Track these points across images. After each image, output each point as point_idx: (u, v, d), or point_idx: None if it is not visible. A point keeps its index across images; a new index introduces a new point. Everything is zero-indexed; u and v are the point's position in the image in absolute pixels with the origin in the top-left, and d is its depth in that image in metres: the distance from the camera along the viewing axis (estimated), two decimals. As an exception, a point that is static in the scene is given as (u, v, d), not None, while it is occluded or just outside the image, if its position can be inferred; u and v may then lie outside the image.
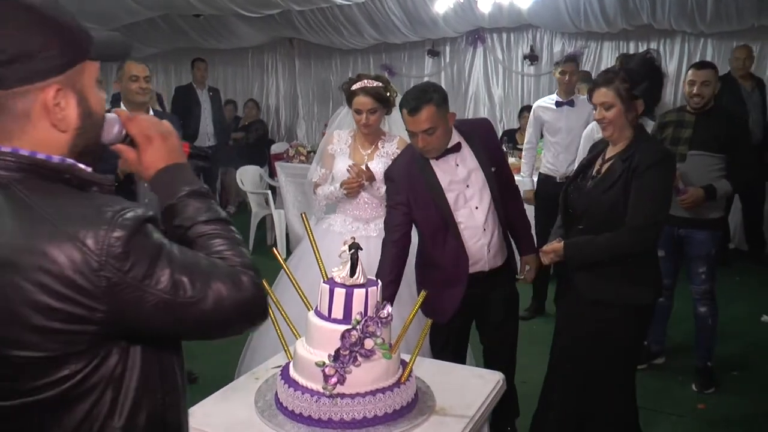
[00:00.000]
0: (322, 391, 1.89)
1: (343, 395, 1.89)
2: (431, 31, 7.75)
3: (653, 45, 7.06)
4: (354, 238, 2.01)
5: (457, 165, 2.85)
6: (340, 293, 1.94)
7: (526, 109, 6.45)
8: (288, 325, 2.16)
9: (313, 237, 2.11)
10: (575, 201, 2.69)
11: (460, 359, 2.96)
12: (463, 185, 2.84)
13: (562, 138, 4.83)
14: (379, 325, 1.93)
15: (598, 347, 2.60)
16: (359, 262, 1.97)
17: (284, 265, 2.23)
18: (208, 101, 7.72)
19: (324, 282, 2.00)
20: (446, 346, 2.93)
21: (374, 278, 2.04)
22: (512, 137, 6.84)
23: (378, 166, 3.27)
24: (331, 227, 3.38)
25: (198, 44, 8.92)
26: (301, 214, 2.19)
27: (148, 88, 3.60)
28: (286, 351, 2.17)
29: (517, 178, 5.46)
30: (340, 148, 3.40)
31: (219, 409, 2.06)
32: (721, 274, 5.54)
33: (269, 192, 6.90)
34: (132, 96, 3.59)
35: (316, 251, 2.10)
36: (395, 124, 3.48)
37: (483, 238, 2.85)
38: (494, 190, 2.85)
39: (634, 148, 2.55)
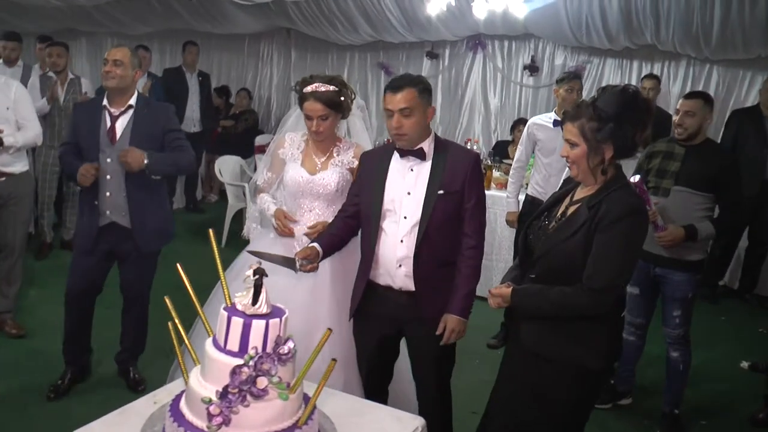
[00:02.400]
0: (206, 430, 1.69)
1: (227, 437, 1.69)
2: (428, 32, 7.53)
3: (657, 67, 6.84)
4: (260, 263, 1.80)
5: (411, 170, 2.74)
6: (237, 323, 1.74)
7: (521, 122, 6.23)
8: (189, 350, 1.94)
9: (218, 256, 1.90)
10: (534, 242, 2.42)
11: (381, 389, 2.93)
12: (404, 191, 2.73)
13: (555, 159, 4.49)
14: (276, 362, 1.72)
15: (537, 404, 2.34)
16: (263, 290, 1.77)
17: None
18: (196, 85, 7.54)
19: (224, 308, 1.79)
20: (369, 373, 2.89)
21: (282, 308, 1.83)
22: (503, 150, 6.63)
23: (332, 176, 3.08)
24: (277, 238, 3.15)
25: (192, 27, 8.72)
26: (209, 231, 1.96)
27: (112, 72, 3.38)
28: (184, 377, 1.96)
29: (500, 194, 5.35)
30: (292, 153, 3.17)
31: (100, 438, 1.86)
32: (707, 311, 5.41)
33: (246, 185, 6.70)
34: (102, 79, 3.49)
35: (222, 277, 1.89)
36: (354, 129, 3.29)
37: (397, 251, 2.71)
38: (430, 212, 2.67)
39: (603, 195, 2.25)
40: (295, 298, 2.93)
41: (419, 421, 2.06)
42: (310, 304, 2.99)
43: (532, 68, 7.42)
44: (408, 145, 2.71)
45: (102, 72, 3.46)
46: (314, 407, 1.85)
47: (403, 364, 3.08)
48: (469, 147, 6.63)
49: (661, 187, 3.57)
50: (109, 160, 3.44)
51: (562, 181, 4.05)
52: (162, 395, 2.08)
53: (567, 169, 4.35)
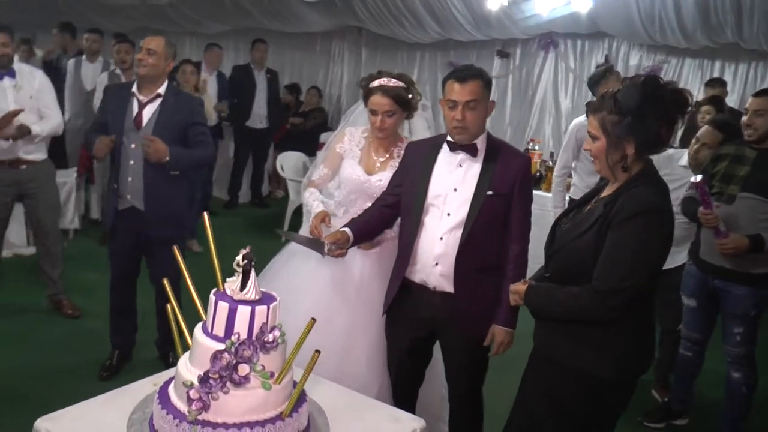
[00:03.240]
0: (186, 414, 1.67)
1: (205, 423, 1.65)
2: (497, 30, 7.35)
3: (742, 67, 6.42)
4: (250, 248, 1.76)
5: (460, 166, 2.63)
6: (223, 308, 1.71)
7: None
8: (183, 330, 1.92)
9: (212, 238, 1.87)
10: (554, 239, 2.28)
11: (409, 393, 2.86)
12: (451, 187, 2.61)
13: None
14: (258, 350, 1.68)
15: (550, 409, 2.20)
16: (251, 276, 1.73)
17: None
18: (264, 83, 7.65)
19: (214, 292, 1.76)
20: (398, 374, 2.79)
21: (273, 296, 1.79)
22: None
23: (390, 178, 2.94)
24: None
25: (264, 25, 8.87)
26: (203, 213, 1.93)
27: (144, 60, 3.46)
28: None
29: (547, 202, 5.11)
30: (350, 149, 3.06)
31: (94, 415, 1.87)
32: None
33: (307, 180, 6.74)
34: (135, 66, 3.67)
35: (214, 256, 1.85)
36: (417, 129, 3.17)
37: (435, 248, 2.61)
38: (477, 212, 2.55)
39: (620, 192, 2.09)
40: (319, 287, 2.91)
41: (418, 423, 1.98)
42: (342, 301, 2.93)
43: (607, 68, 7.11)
44: (466, 140, 2.59)
45: (135, 59, 3.56)
46: (303, 400, 1.80)
47: (437, 366, 2.98)
48: (531, 148, 6.48)
49: (726, 192, 3.30)
50: (133, 145, 3.50)
51: (570, 143, 3.87)
52: (163, 378, 2.07)
53: None
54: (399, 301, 2.74)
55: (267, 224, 6.88)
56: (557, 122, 7.60)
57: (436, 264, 2.62)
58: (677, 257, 3.67)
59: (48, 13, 9.37)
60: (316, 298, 2.88)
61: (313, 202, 3.02)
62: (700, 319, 3.57)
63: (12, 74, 4.12)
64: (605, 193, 2.19)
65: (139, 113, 3.52)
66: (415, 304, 2.69)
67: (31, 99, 4.16)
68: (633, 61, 6.99)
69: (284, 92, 8.94)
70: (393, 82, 2.89)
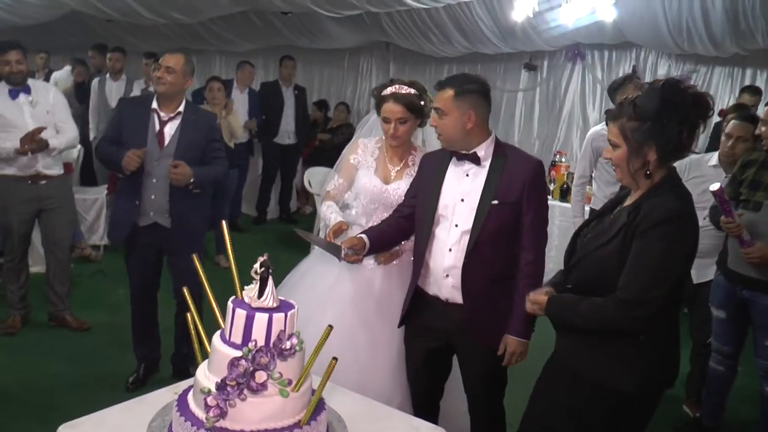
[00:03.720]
0: (204, 421, 1.68)
1: (223, 430, 1.66)
2: (523, 42, 7.34)
3: (775, 74, 6.32)
4: (268, 256, 1.77)
5: (467, 176, 2.62)
6: (240, 315, 1.72)
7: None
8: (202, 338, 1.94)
9: (230, 247, 1.88)
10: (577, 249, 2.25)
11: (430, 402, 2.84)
12: (458, 197, 2.61)
13: None
14: (275, 357, 1.69)
15: (570, 423, 2.15)
16: (269, 283, 1.74)
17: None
18: (292, 99, 7.73)
19: (232, 300, 1.78)
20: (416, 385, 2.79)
21: (291, 303, 1.80)
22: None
23: (407, 187, 2.94)
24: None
25: (293, 42, 8.99)
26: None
27: (162, 78, 3.46)
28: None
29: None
30: (365, 160, 3.07)
31: (114, 422, 1.89)
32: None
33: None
34: (153, 84, 3.73)
35: (232, 264, 1.87)
36: (430, 139, 3.16)
37: (445, 260, 2.59)
38: (482, 223, 2.52)
39: (643, 200, 2.05)
40: (342, 296, 2.93)
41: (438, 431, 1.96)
42: (366, 310, 2.94)
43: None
44: (447, 146, 2.63)
45: (154, 77, 3.57)
46: (321, 408, 1.80)
47: (459, 379, 2.96)
48: (558, 160, 6.43)
49: (753, 200, 3.23)
50: (156, 163, 3.50)
51: (587, 152, 3.79)
52: (182, 388, 2.09)
53: None
54: (415, 313, 2.75)
55: (295, 240, 6.90)
56: (585, 134, 7.51)
57: (447, 276, 2.61)
58: (712, 270, 3.59)
59: (87, 36, 9.62)
60: (339, 312, 2.88)
61: (330, 214, 3.02)
62: (730, 331, 3.48)
63: (27, 90, 4.21)
64: (628, 202, 2.15)
65: (161, 131, 3.54)
66: (430, 316, 2.69)
67: (47, 114, 4.25)
68: (661, 71, 6.93)
69: (312, 109, 9.03)
70: (405, 90, 2.91)
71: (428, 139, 3.20)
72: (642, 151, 2.02)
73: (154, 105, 3.57)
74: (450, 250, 2.59)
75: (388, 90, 2.93)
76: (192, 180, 3.45)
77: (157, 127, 3.54)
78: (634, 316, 1.99)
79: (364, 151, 3.10)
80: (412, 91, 2.93)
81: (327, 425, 1.84)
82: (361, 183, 3.02)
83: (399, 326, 2.83)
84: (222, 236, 1.89)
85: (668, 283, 2.00)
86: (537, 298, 2.23)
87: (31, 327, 4.52)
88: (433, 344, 2.73)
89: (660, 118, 1.97)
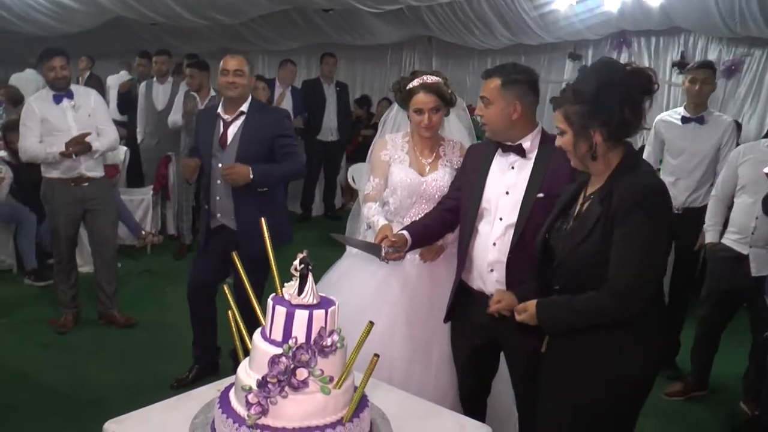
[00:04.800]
0: (245, 418, 1.66)
1: (265, 427, 1.65)
2: (567, 32, 7.19)
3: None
4: (307, 252, 1.75)
5: (512, 168, 2.56)
6: (280, 312, 1.70)
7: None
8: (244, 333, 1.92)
9: (269, 243, 1.87)
10: (555, 247, 2.17)
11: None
12: (503, 190, 2.55)
13: (684, 161, 4.11)
14: (315, 354, 1.66)
15: (578, 422, 2.10)
16: (308, 281, 1.71)
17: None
18: (333, 95, 7.72)
19: (272, 297, 1.76)
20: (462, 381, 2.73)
21: (332, 300, 1.77)
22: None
23: (444, 177, 2.92)
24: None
25: (334, 40, 8.99)
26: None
27: (235, 83, 3.49)
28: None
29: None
30: (397, 155, 3.00)
31: (158, 418, 1.90)
32: None
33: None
34: (221, 90, 3.63)
35: (272, 260, 1.86)
36: (452, 128, 3.12)
37: (489, 254, 2.54)
38: (527, 216, 2.46)
39: (612, 184, 2.00)
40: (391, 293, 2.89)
41: (485, 430, 1.91)
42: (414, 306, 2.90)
43: (682, 65, 6.76)
44: (492, 136, 2.57)
45: (223, 83, 3.53)
46: (365, 405, 1.77)
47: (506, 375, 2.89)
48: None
49: None
50: (220, 165, 3.53)
51: (725, 183, 3.69)
52: (226, 384, 2.09)
53: (703, 171, 3.98)
54: (460, 308, 2.69)
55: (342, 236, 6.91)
56: (633, 124, 7.34)
57: (491, 270, 2.55)
58: None
59: (131, 40, 9.82)
60: (386, 312, 2.84)
61: (373, 217, 2.95)
62: None
63: (70, 95, 4.32)
64: (592, 188, 2.11)
65: (224, 133, 3.57)
66: (475, 311, 2.60)
67: (89, 117, 4.35)
68: (711, 56, 6.66)
69: (354, 106, 9.02)
70: (432, 79, 2.88)
71: (454, 128, 3.13)
72: (587, 133, 2.01)
73: (219, 110, 3.62)
74: (494, 244, 2.53)
75: (416, 81, 2.89)
76: (252, 177, 3.42)
77: (221, 129, 3.58)
78: (633, 302, 1.97)
79: (393, 146, 3.03)
80: (439, 79, 2.90)
81: (371, 422, 1.82)
82: (398, 178, 2.96)
83: (445, 322, 2.78)
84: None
85: (658, 262, 2.01)
86: (526, 306, 2.15)
87: (82, 325, 4.62)
88: (479, 341, 2.67)
89: (598, 99, 1.97)
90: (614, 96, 1.98)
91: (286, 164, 3.58)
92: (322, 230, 7.51)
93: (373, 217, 2.94)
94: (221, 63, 3.59)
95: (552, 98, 2.17)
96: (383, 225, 2.83)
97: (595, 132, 2.00)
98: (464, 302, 2.67)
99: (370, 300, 2.88)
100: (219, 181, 3.57)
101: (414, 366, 2.79)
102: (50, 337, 4.44)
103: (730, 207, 3.76)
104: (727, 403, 3.89)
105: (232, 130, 3.56)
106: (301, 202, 8.08)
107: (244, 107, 3.56)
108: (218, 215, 3.62)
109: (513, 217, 2.50)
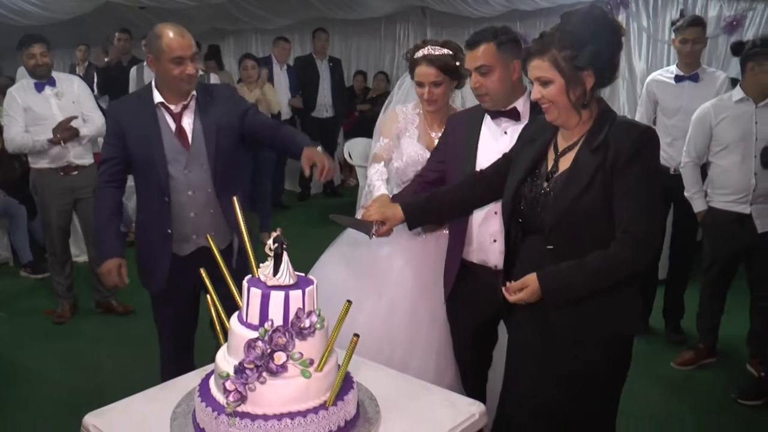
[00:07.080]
0: (224, 406, 1.61)
1: (244, 414, 1.59)
2: (562, -6, 7.02)
3: None
4: (280, 230, 1.68)
5: (505, 133, 2.48)
6: (255, 294, 1.64)
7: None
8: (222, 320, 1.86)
9: (243, 224, 1.80)
10: (530, 211, 2.06)
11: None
12: (498, 157, 2.42)
13: (680, 120, 3.99)
14: (293, 337, 1.60)
15: (573, 388, 2.01)
16: (284, 260, 1.64)
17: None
18: (327, 72, 7.63)
19: (247, 279, 1.70)
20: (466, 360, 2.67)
21: (310, 279, 1.70)
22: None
23: None
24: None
25: (327, 15, 8.84)
26: (233, 198, 1.86)
27: (196, 71, 2.68)
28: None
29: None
30: (406, 128, 2.90)
31: (140, 409, 1.84)
32: None
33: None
34: (175, 83, 2.68)
35: (247, 243, 1.79)
36: (469, 100, 3.01)
37: (491, 225, 2.45)
38: None
39: (603, 134, 1.92)
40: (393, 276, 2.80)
41: (477, 407, 1.85)
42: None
43: (681, 24, 6.65)
44: (493, 106, 2.46)
45: (181, 75, 2.62)
46: (349, 387, 1.72)
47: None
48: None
49: None
50: (186, 171, 2.70)
51: (695, 139, 3.60)
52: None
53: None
54: (459, 285, 2.59)
55: (341, 213, 6.85)
56: (632, 86, 7.17)
57: (495, 241, 2.47)
58: None
59: (122, 25, 9.66)
60: (389, 291, 2.76)
61: (376, 182, 2.84)
62: None
63: (53, 83, 4.27)
64: (567, 142, 2.03)
65: (179, 127, 2.70)
66: (477, 286, 2.52)
67: (73, 104, 4.30)
68: (712, 13, 6.47)
69: (353, 80, 8.92)
70: (438, 51, 2.74)
71: (468, 100, 3.04)
72: (580, 78, 1.92)
73: (158, 99, 2.69)
74: (496, 213, 2.43)
75: (420, 52, 2.77)
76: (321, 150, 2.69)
77: (173, 125, 2.70)
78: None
79: (404, 119, 2.92)
80: (446, 51, 2.75)
81: (358, 404, 1.76)
82: (408, 151, 2.86)
83: (446, 301, 2.68)
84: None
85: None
86: (525, 282, 2.00)
87: (80, 315, 4.61)
88: (483, 316, 2.57)
89: (596, 41, 1.90)
90: (609, 40, 1.94)
91: (300, 133, 3.01)
92: (322, 208, 7.48)
93: (375, 181, 2.86)
94: (164, 45, 2.59)
95: (527, 47, 2.07)
96: (379, 195, 2.73)
97: (588, 77, 1.93)
98: (464, 278, 2.58)
99: (371, 280, 2.80)
100: (191, 192, 2.73)
101: (411, 347, 2.70)
102: (48, 328, 4.42)
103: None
104: (734, 366, 3.83)
105: (188, 122, 2.71)
106: (299, 180, 8.01)
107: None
108: (194, 237, 2.77)
109: None
